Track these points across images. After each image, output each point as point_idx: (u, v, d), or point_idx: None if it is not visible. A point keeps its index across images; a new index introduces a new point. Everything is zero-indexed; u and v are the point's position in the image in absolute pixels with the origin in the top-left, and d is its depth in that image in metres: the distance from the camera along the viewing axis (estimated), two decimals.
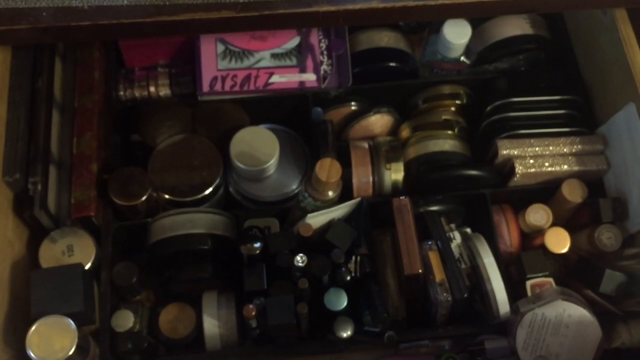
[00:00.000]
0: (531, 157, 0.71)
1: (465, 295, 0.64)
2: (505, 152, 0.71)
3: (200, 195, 0.71)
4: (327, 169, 0.66)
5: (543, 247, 0.68)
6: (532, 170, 0.71)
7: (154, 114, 0.74)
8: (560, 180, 0.70)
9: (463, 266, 0.66)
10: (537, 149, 0.71)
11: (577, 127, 0.74)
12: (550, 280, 0.66)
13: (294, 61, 0.74)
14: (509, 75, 0.78)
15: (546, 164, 0.71)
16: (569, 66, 0.79)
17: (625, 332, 0.64)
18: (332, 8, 0.59)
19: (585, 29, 0.77)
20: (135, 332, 0.66)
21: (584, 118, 0.75)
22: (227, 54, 0.74)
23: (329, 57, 0.75)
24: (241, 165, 0.70)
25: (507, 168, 0.72)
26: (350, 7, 0.59)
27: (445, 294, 0.63)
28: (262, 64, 0.74)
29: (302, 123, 0.75)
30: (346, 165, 0.70)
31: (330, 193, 0.68)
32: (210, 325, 0.66)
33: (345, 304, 0.63)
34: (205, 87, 0.73)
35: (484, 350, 0.64)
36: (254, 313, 0.62)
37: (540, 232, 0.70)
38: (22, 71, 0.68)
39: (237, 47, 0.74)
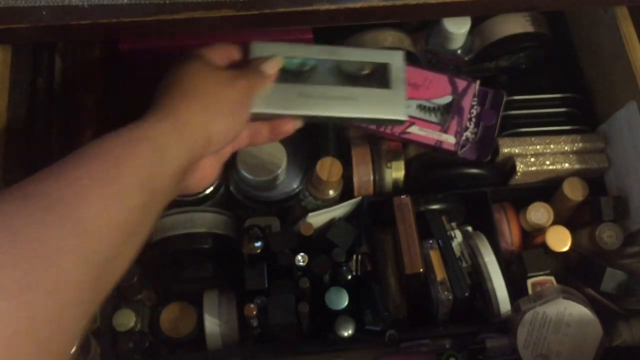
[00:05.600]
0: (532, 156, 0.71)
1: (466, 294, 0.64)
2: (506, 150, 0.71)
3: (201, 195, 0.71)
4: (328, 168, 0.66)
5: (544, 246, 0.68)
6: (533, 168, 0.71)
7: None
8: (561, 178, 0.70)
9: (464, 265, 0.66)
10: (538, 147, 0.71)
11: (578, 125, 0.74)
12: (551, 278, 0.66)
13: (438, 118, 0.71)
14: (509, 73, 0.78)
15: (547, 162, 0.71)
16: (570, 64, 0.79)
17: (626, 331, 0.64)
18: (333, 6, 0.59)
19: (586, 26, 0.77)
20: (136, 331, 0.66)
21: (584, 116, 0.75)
22: None
23: (476, 125, 0.72)
24: (251, 177, 0.70)
25: (508, 166, 0.72)
26: (350, 5, 0.59)
27: (446, 293, 0.63)
28: None
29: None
30: (347, 164, 0.70)
31: (331, 192, 0.68)
32: (211, 324, 0.66)
33: (346, 303, 0.63)
34: None
35: (484, 349, 0.64)
36: (255, 312, 0.62)
37: (541, 230, 0.70)
38: (22, 70, 0.68)
39: None
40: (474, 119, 0.72)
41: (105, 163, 0.41)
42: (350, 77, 0.62)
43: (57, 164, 0.41)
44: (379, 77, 0.62)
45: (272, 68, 0.56)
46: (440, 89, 0.72)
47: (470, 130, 0.72)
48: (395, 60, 0.62)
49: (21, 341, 0.32)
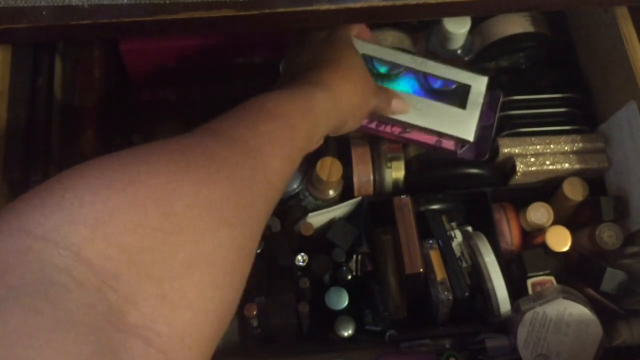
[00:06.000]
0: (532, 156, 0.71)
1: (466, 294, 0.64)
2: (506, 150, 0.71)
3: None
4: (328, 168, 0.66)
5: (544, 246, 0.68)
6: (533, 168, 0.71)
7: (154, 114, 0.74)
8: (561, 178, 0.70)
9: (464, 265, 0.67)
10: (538, 147, 0.71)
11: (578, 125, 0.74)
12: (551, 278, 0.66)
13: None
14: (509, 73, 0.78)
15: (547, 162, 0.71)
16: (570, 64, 0.79)
17: (626, 330, 0.64)
18: (333, 7, 0.59)
19: (586, 26, 0.77)
20: None
21: (584, 116, 0.75)
22: None
23: None
24: None
25: (508, 166, 0.72)
26: (350, 5, 0.59)
27: (446, 293, 0.63)
28: None
29: None
30: (347, 164, 0.70)
31: (331, 192, 0.68)
32: None
33: (346, 303, 0.64)
34: None
35: (484, 349, 0.64)
36: (255, 312, 0.62)
37: (541, 230, 0.70)
38: (22, 70, 0.68)
39: None
40: None
41: (285, 125, 0.46)
42: (432, 90, 0.67)
43: (241, 112, 0.45)
44: (458, 95, 0.67)
45: (399, 109, 0.65)
46: None
47: None
48: (478, 85, 0.68)
49: (234, 269, 0.35)
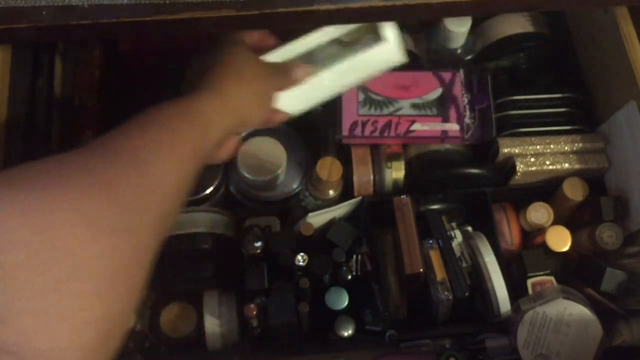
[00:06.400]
0: (532, 156, 0.71)
1: (467, 294, 0.64)
2: (506, 150, 0.71)
3: (201, 195, 0.71)
4: (328, 168, 0.66)
5: (544, 246, 0.68)
6: (533, 168, 0.71)
7: None
8: (561, 178, 0.70)
9: (464, 265, 0.67)
10: (538, 147, 0.71)
11: (578, 125, 0.74)
12: (551, 278, 0.66)
13: (435, 111, 0.72)
14: (509, 73, 0.78)
15: (547, 162, 0.71)
16: (570, 64, 0.79)
17: (626, 330, 0.64)
18: (333, 7, 0.59)
19: (586, 26, 0.77)
20: (136, 331, 0.66)
21: (584, 116, 0.75)
22: (367, 102, 0.73)
23: (472, 110, 0.73)
24: (251, 177, 0.70)
25: (508, 166, 0.72)
26: (350, 5, 0.59)
27: (446, 293, 0.64)
28: (402, 112, 0.73)
29: (303, 122, 0.75)
30: (347, 164, 0.70)
31: (331, 192, 0.68)
32: (211, 324, 0.66)
33: (346, 303, 0.64)
34: (345, 131, 0.72)
35: (484, 349, 0.64)
36: (255, 312, 0.62)
37: (541, 230, 0.70)
38: (22, 70, 0.68)
39: (378, 95, 0.73)
40: (467, 106, 0.73)
41: (166, 130, 0.46)
42: (348, 47, 0.65)
43: (129, 125, 0.45)
44: (370, 34, 0.64)
45: (302, 75, 0.62)
46: (428, 85, 0.74)
47: (468, 116, 0.73)
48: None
49: (119, 278, 0.36)
